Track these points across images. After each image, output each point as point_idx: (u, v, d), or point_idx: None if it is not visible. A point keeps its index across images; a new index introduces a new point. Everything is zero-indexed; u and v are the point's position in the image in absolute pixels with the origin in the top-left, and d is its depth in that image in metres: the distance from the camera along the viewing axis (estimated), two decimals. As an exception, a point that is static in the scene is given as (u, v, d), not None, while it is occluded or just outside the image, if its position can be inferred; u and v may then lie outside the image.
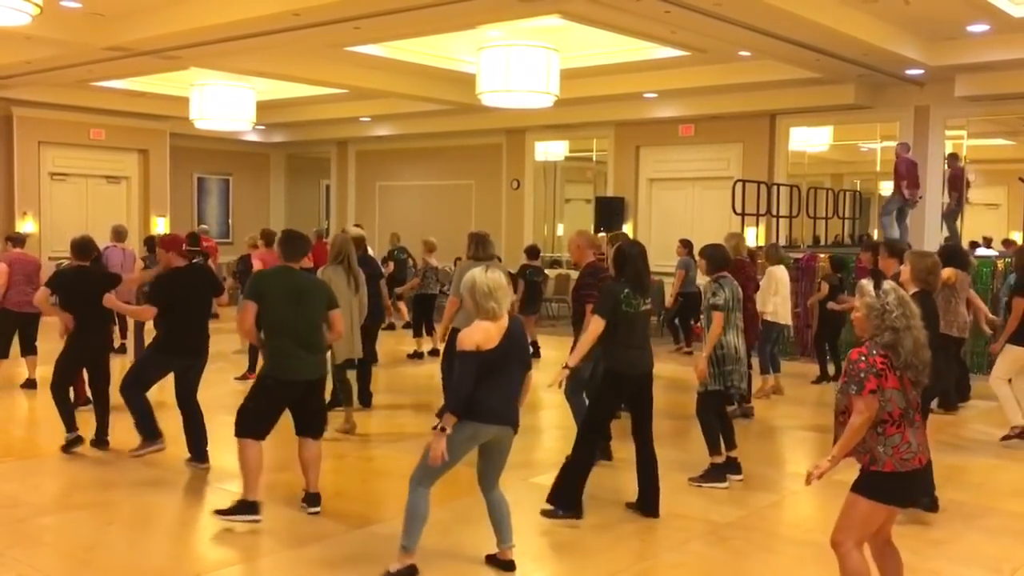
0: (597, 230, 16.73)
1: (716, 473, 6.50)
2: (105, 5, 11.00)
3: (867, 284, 3.97)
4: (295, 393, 5.56)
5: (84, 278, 7.11)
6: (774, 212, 14.15)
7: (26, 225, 17.16)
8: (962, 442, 8.13)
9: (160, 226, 19.02)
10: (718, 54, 12.56)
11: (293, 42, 11.63)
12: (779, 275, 9.67)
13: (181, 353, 6.61)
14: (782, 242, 14.74)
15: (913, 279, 5.88)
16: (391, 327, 14.99)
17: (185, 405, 6.73)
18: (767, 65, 12.99)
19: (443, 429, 4.44)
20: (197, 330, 6.64)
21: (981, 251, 13.23)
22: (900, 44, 11.69)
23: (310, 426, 5.74)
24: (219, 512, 5.53)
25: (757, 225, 14.56)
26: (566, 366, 5.73)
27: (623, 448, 7.91)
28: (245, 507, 5.47)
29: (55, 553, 5.17)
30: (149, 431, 6.70)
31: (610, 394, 5.82)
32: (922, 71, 12.80)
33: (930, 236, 13.82)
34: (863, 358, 3.77)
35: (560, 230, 18.77)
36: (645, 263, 5.86)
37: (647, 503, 5.81)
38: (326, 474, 6.62)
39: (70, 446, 7.02)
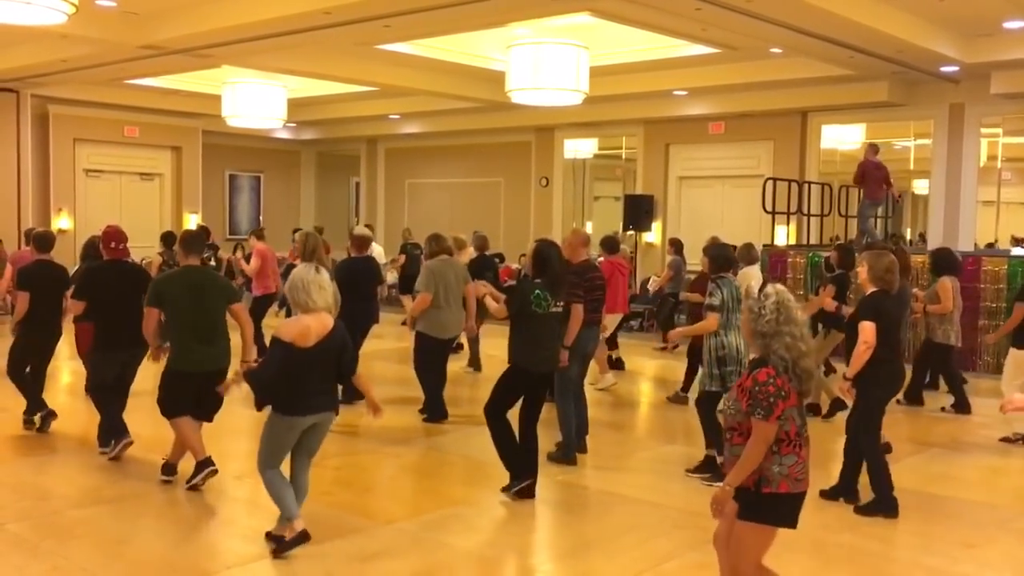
0: (626, 228, 16.73)
1: (709, 465, 6.43)
2: (139, 4, 11.13)
3: (754, 286, 3.84)
4: (196, 382, 5.95)
5: (42, 272, 7.44)
6: (805, 211, 14.03)
7: (61, 221, 17.41)
8: (994, 444, 8.02)
9: (192, 222, 19.22)
10: (749, 51, 12.47)
11: (324, 40, 11.70)
12: (753, 273, 9.53)
13: (115, 347, 6.68)
14: (813, 240, 14.64)
15: (871, 279, 5.90)
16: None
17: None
18: (799, 62, 12.88)
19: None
20: (129, 323, 6.45)
21: (1017, 251, 13.04)
22: (935, 41, 11.54)
23: (203, 411, 6.13)
24: (190, 483, 6.01)
25: (787, 224, 14.45)
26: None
27: (644, 448, 7.90)
28: (202, 466, 6.01)
29: (87, 545, 5.23)
30: (111, 430, 6.81)
31: (510, 385, 5.97)
32: (957, 68, 12.62)
33: (965, 234, 13.66)
34: (771, 380, 3.55)
35: (589, 228, 18.71)
36: (563, 265, 6.07)
37: (529, 467, 5.98)
38: (353, 470, 6.66)
39: (44, 422, 7.50)
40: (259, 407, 5.00)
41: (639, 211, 16.82)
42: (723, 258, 6.65)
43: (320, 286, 4.79)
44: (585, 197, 19.26)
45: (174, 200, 19.74)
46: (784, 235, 14.50)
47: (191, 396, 6.03)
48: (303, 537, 4.90)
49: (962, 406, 8.99)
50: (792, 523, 3.70)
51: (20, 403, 7.66)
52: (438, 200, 20.85)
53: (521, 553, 5.37)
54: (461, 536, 5.46)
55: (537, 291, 5.78)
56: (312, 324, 4.76)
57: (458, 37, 12.75)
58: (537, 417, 6.09)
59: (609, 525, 5.62)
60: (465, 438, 7.77)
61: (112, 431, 6.79)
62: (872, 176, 12.72)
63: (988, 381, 10.22)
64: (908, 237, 16.14)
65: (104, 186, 18.76)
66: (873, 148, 13.03)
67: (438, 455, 7.34)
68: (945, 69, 12.79)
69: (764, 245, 12.93)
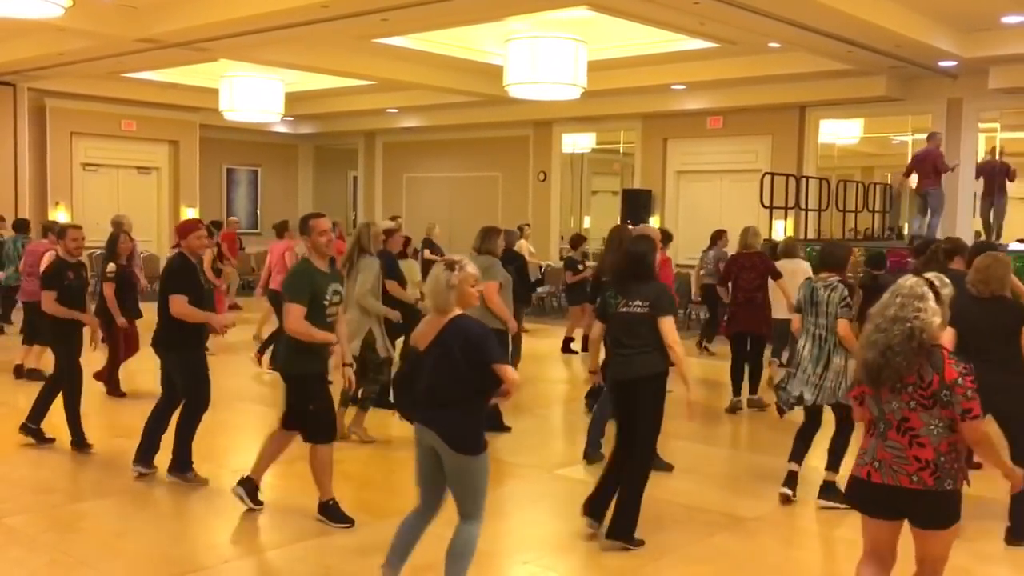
0: (624, 222, 16.69)
1: (792, 478, 6.09)
2: (136, -3, 11.11)
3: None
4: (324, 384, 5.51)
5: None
6: (803, 205, 14.03)
7: (58, 215, 17.37)
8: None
9: (189, 216, 19.20)
10: (747, 45, 12.47)
11: (321, 34, 11.69)
12: (801, 269, 9.46)
13: (159, 345, 6.10)
14: (811, 235, 14.63)
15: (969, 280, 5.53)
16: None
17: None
18: (797, 57, 12.87)
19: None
20: (160, 323, 6.03)
21: (1014, 246, 13.03)
22: (933, 36, 11.54)
23: (308, 430, 5.46)
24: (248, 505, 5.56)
25: (785, 218, 14.45)
26: (591, 371, 5.76)
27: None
28: (330, 512, 5.44)
29: (87, 539, 5.24)
30: (143, 452, 6.26)
31: (607, 396, 5.59)
32: (955, 63, 12.62)
33: (962, 228, 13.66)
34: None
35: (587, 222, 18.73)
36: (630, 264, 5.31)
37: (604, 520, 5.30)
38: (353, 465, 6.67)
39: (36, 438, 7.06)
40: None
41: (637, 205, 16.79)
42: (835, 257, 6.05)
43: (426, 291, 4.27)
44: (583, 192, 19.25)
45: (171, 194, 19.71)
46: (782, 229, 14.50)
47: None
48: None
49: None
50: (858, 506, 3.71)
51: (20, 397, 7.65)
52: (436, 194, 20.84)
53: (519, 548, 5.37)
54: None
55: (609, 290, 5.43)
56: (421, 326, 4.22)
57: (456, 31, 12.74)
58: (636, 445, 5.19)
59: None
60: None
61: (141, 448, 6.27)
62: (922, 168, 12.43)
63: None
64: (906, 231, 16.15)
65: (101, 180, 18.72)
66: (935, 138, 12.64)
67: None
68: (943, 64, 12.79)
69: (763, 240, 12.89)
